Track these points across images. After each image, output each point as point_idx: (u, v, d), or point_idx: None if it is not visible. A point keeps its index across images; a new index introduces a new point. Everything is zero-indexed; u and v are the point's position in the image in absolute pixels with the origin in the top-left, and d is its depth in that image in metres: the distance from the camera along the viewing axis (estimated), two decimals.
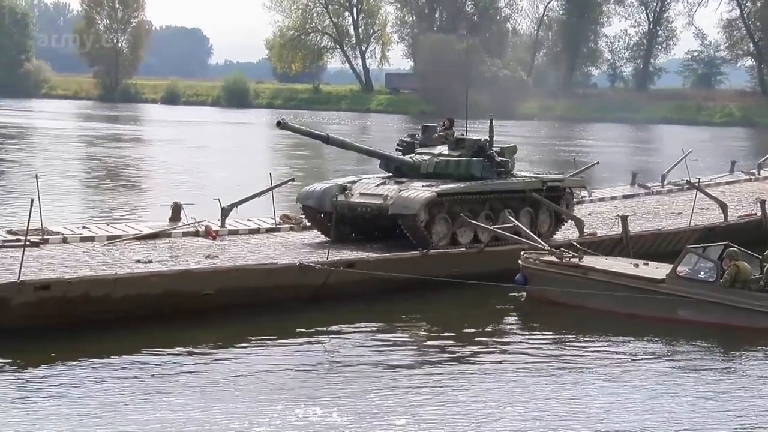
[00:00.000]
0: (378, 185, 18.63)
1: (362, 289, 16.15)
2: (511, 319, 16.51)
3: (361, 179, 19.11)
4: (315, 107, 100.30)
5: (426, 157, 19.19)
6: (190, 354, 13.10)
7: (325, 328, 14.79)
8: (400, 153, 19.74)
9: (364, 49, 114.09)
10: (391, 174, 19.33)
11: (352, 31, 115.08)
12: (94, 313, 13.47)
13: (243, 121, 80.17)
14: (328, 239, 18.17)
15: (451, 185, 18.32)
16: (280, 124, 17.79)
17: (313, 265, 15.63)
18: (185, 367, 12.54)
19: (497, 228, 17.94)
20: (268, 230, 19.76)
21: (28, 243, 14.91)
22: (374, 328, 15.01)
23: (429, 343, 14.48)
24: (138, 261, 15.84)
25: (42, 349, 12.71)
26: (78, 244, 17.16)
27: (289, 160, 45.92)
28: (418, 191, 17.89)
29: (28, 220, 13.82)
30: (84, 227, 18.79)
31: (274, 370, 12.55)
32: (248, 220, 20.29)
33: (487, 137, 19.50)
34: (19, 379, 11.78)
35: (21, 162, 38.94)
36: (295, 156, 47.81)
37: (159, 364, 12.55)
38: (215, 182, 32.93)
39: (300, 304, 15.55)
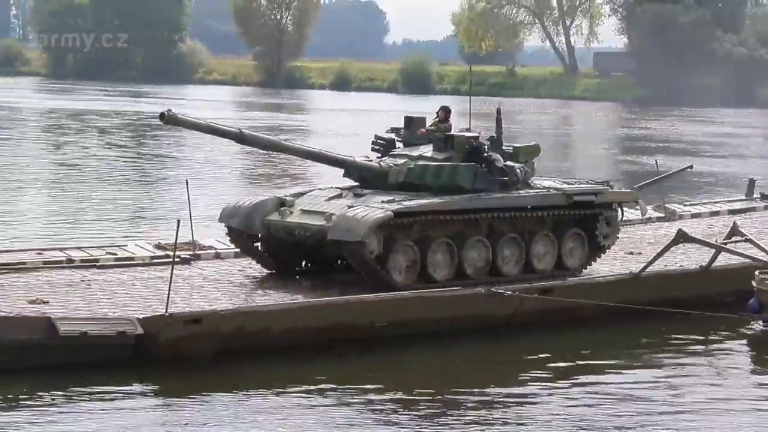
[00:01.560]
0: (329, 199, 16.20)
1: (559, 317, 16.06)
2: (741, 357, 15.96)
3: (311, 191, 16.76)
4: (509, 93, 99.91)
5: (399, 161, 16.60)
6: (360, 389, 13.33)
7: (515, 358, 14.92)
8: (379, 154, 17.21)
9: (568, 24, 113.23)
10: (357, 184, 16.83)
11: (554, 3, 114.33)
12: (249, 346, 13.86)
13: (423, 110, 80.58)
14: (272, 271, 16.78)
15: (421, 201, 15.70)
16: (164, 117, 15.20)
17: (502, 291, 15.65)
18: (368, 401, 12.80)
19: (722, 244, 16.99)
20: None
21: (177, 260, 15.43)
22: (564, 363, 14.87)
23: (634, 383, 14.11)
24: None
25: (192, 378, 13.21)
26: (232, 261, 17.66)
27: None
28: (369, 209, 15.33)
29: (176, 237, 14.29)
30: None
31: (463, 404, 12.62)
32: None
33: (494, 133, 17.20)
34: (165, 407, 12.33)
35: (176, 158, 40.35)
36: None
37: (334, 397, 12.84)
38: None
39: (484, 335, 15.62)
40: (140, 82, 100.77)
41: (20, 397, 12.23)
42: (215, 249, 18.18)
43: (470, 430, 11.82)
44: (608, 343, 15.94)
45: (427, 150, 16.64)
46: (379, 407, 12.63)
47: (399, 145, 17.15)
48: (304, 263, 17.00)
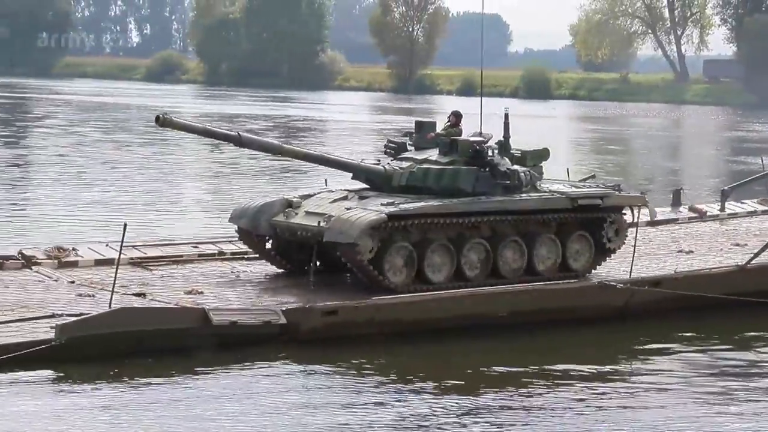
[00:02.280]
0: (334, 201, 15.51)
1: (668, 309, 15.81)
2: None
3: (319, 192, 16.08)
4: (622, 98, 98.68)
5: (404, 165, 15.90)
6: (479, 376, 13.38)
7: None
8: (391, 157, 16.50)
9: (679, 33, 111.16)
10: (367, 186, 16.15)
11: (666, 14, 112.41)
12: (382, 334, 14.06)
13: (543, 114, 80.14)
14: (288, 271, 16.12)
15: (418, 204, 14.99)
16: (159, 120, 14.68)
17: (614, 284, 15.52)
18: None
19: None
20: None
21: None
22: (681, 351, 14.63)
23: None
24: None
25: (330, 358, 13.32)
26: None
27: (595, 155, 45.59)
28: (364, 212, 14.72)
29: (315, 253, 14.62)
30: None
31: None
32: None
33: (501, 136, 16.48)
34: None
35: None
36: (603, 150, 47.35)
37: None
38: None
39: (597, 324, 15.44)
40: (285, 88, 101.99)
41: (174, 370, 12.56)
42: None
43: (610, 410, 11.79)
44: (717, 334, 15.50)
45: (433, 154, 15.94)
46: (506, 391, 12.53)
47: (411, 148, 16.48)
48: (316, 263, 15.80)
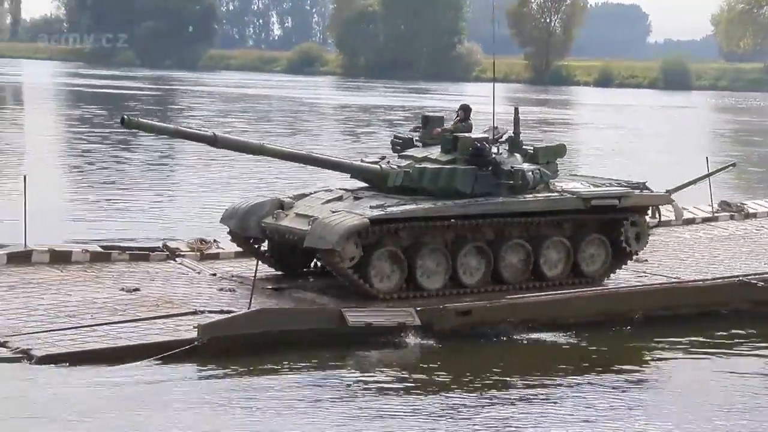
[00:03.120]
0: (326, 202, 14.45)
1: None
2: None
3: (316, 192, 15.02)
4: (765, 89, 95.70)
5: (403, 163, 14.76)
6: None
7: None
8: (396, 153, 15.45)
9: None
10: (367, 186, 15.02)
11: None
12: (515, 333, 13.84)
13: (682, 105, 78.38)
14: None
15: (407, 207, 13.87)
16: (124, 122, 13.67)
17: (754, 282, 14.98)
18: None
19: None
20: (704, 220, 19.37)
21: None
22: None
23: None
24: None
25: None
26: None
27: (737, 146, 44.42)
28: (346, 216, 13.67)
29: None
30: None
31: None
32: (683, 208, 19.73)
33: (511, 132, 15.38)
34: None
35: None
36: (745, 141, 46.07)
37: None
38: (647, 168, 32.52)
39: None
40: (423, 80, 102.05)
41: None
42: None
43: None
44: None
45: (435, 152, 14.81)
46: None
47: (419, 144, 15.41)
48: (312, 264, 15.34)
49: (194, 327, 12.09)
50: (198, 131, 15.11)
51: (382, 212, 13.70)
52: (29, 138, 36.50)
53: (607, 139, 46.94)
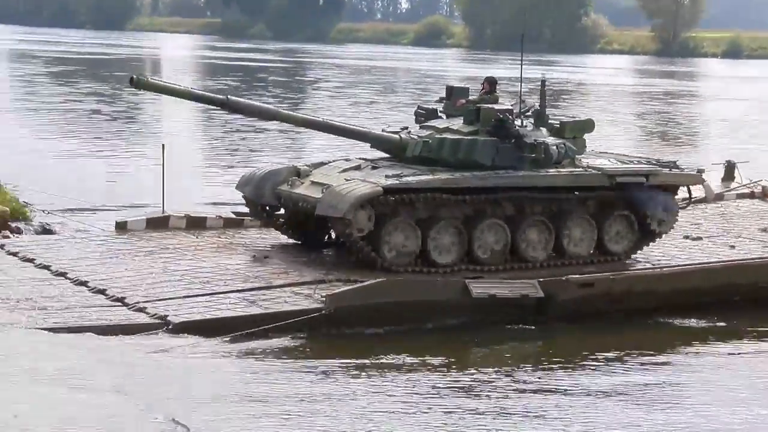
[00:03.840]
0: (344, 170, 13.89)
1: None
2: None
3: (334, 161, 14.52)
4: None
5: (423, 134, 14.15)
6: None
7: None
8: (419, 124, 14.84)
9: None
10: (388, 156, 14.48)
11: None
12: (636, 306, 13.57)
13: None
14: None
15: (422, 177, 13.33)
16: (134, 81, 13.31)
17: None
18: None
19: None
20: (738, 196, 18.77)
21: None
22: None
23: None
24: (686, 237, 15.62)
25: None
26: None
27: None
28: (360, 185, 13.15)
29: None
30: None
31: None
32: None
33: (537, 105, 14.65)
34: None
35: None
36: None
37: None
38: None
39: None
40: (548, 52, 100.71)
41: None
42: None
43: None
44: None
45: (457, 123, 14.22)
46: None
47: (443, 116, 14.86)
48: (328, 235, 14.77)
49: (321, 296, 12.16)
50: (209, 94, 14.62)
51: (397, 181, 13.18)
52: (167, 108, 37.26)
53: (734, 111, 45.77)
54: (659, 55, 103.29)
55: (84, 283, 12.67)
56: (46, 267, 13.36)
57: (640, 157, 15.44)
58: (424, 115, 14.91)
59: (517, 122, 14.12)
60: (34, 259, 13.67)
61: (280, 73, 65.43)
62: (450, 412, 9.83)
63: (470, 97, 14.95)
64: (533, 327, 12.93)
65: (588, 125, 14.80)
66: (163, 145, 16.68)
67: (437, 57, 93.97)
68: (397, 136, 14.30)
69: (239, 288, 12.74)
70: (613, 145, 31.29)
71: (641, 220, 14.49)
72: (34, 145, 26.88)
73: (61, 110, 35.28)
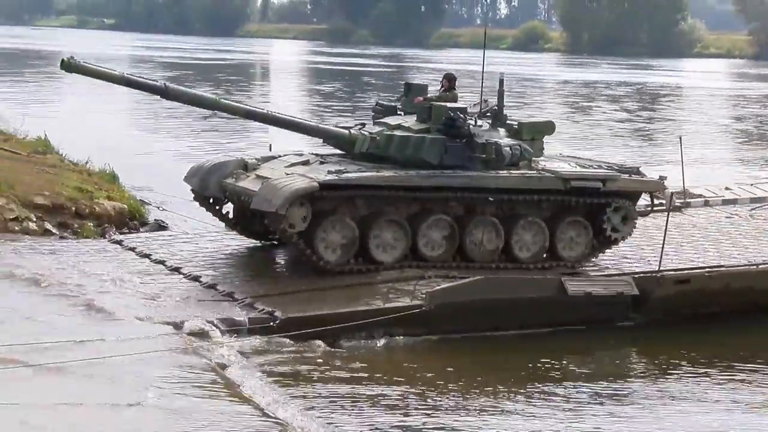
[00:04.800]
0: (291, 165, 13.11)
1: None
2: None
3: (285, 155, 13.68)
4: None
5: (375, 130, 13.42)
6: None
7: None
8: (376, 120, 14.07)
9: None
10: (341, 152, 13.77)
11: None
12: (733, 305, 13.22)
13: None
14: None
15: (361, 174, 12.66)
16: (64, 63, 12.56)
17: None
18: None
19: None
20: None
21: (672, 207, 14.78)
22: None
23: None
24: None
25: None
26: (720, 208, 17.13)
27: None
28: (297, 179, 12.40)
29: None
30: (726, 189, 18.69)
31: None
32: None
33: (494, 103, 13.88)
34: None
35: (673, 120, 39.56)
36: None
37: None
38: None
39: None
40: (645, 56, 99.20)
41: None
42: (703, 197, 17.75)
43: None
44: None
45: (410, 120, 13.51)
46: None
47: (401, 113, 14.05)
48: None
49: (422, 293, 12.12)
50: (147, 81, 13.55)
51: (336, 177, 12.47)
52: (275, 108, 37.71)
53: None
54: (757, 58, 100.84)
55: (197, 278, 12.86)
56: (161, 262, 13.60)
57: (601, 162, 14.64)
58: (382, 111, 14.20)
59: (478, 122, 13.49)
60: (150, 255, 13.93)
61: (382, 76, 65.64)
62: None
63: (428, 95, 14.21)
64: (631, 324, 12.73)
65: (547, 127, 14.09)
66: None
67: (535, 61, 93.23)
68: (345, 131, 13.59)
69: (339, 284, 12.67)
70: (709, 148, 30.85)
71: (598, 227, 13.79)
72: (150, 145, 27.46)
73: (177, 114, 35.83)
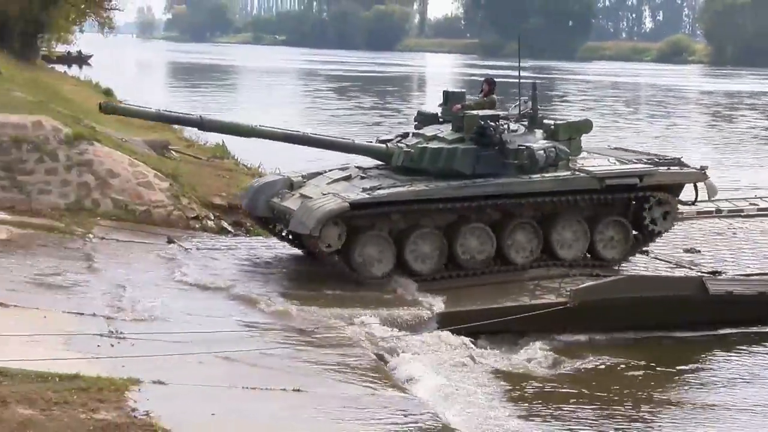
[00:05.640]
0: (333, 181, 12.49)
1: None
2: None
3: (329, 171, 12.95)
4: None
5: (412, 141, 12.64)
6: None
7: None
8: (418, 130, 13.21)
9: None
10: (382, 163, 12.97)
11: None
12: None
13: None
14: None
15: (394, 190, 11.96)
16: (102, 107, 12.70)
17: None
18: None
19: None
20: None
21: None
22: None
23: None
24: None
25: None
26: None
27: None
28: (329, 200, 11.80)
29: None
30: None
31: None
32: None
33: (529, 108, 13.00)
34: None
35: None
36: None
37: None
38: None
39: None
40: None
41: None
42: None
43: None
44: None
45: (446, 130, 12.73)
46: None
47: (442, 121, 13.25)
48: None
49: (567, 290, 11.92)
50: (183, 114, 13.49)
51: (367, 196, 11.91)
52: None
53: None
54: None
55: None
56: None
57: (641, 155, 13.76)
58: (422, 120, 13.51)
59: (513, 126, 12.78)
60: None
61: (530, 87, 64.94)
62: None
63: (466, 102, 13.49)
64: None
65: (584, 126, 13.33)
66: None
67: (678, 73, 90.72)
68: (383, 146, 13.01)
69: (489, 282, 12.52)
70: None
71: (639, 222, 13.09)
72: (320, 153, 27.81)
73: (344, 122, 36.45)
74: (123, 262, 12.53)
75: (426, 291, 12.05)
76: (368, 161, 13.25)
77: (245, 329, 10.25)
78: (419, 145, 12.57)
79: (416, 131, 13.10)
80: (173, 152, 19.12)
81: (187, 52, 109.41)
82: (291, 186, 12.87)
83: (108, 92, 34.42)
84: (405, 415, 8.04)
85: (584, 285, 12.00)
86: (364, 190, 12.03)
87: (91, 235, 13.52)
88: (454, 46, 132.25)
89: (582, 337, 11.55)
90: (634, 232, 13.25)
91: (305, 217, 11.80)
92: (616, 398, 9.81)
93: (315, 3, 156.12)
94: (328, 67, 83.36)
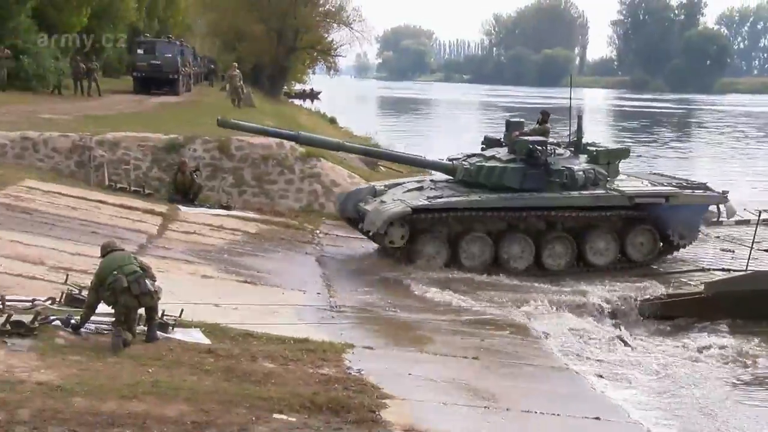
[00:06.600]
0: (408, 191, 12.45)
1: None
2: None
3: (406, 182, 12.97)
4: None
5: (474, 161, 12.55)
6: None
7: None
8: (482, 151, 13.08)
9: None
10: (452, 178, 12.82)
11: None
12: None
13: None
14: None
15: (452, 198, 11.96)
16: (219, 122, 12.70)
17: None
18: None
19: None
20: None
21: None
22: None
23: None
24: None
25: None
26: None
27: None
28: (396, 205, 11.86)
29: None
30: None
31: None
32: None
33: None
34: None
35: None
36: None
37: None
38: None
39: None
40: None
41: None
42: None
43: None
44: None
45: (502, 152, 12.73)
46: None
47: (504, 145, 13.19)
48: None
49: (701, 282, 11.30)
50: (283, 130, 13.79)
51: (427, 202, 12.00)
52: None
53: None
54: None
55: None
56: None
57: (679, 180, 13.49)
58: (489, 144, 13.59)
59: (559, 150, 12.66)
60: None
61: (673, 117, 62.22)
62: None
63: (524, 129, 13.54)
64: None
65: (621, 153, 13.36)
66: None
67: None
68: (449, 162, 13.13)
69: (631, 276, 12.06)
70: None
71: (665, 234, 12.66)
72: None
73: None
74: (343, 252, 12.83)
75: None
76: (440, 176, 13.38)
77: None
78: (478, 164, 12.67)
79: (478, 152, 13.20)
80: (381, 167, 19.49)
81: (393, 88, 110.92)
82: (374, 193, 12.98)
83: (333, 120, 35.33)
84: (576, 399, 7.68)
85: (718, 278, 11.35)
86: (428, 198, 12.21)
87: (318, 231, 13.98)
88: (607, 83, 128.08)
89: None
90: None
91: (375, 218, 11.99)
92: None
93: (494, 48, 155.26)
94: (504, 99, 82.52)
